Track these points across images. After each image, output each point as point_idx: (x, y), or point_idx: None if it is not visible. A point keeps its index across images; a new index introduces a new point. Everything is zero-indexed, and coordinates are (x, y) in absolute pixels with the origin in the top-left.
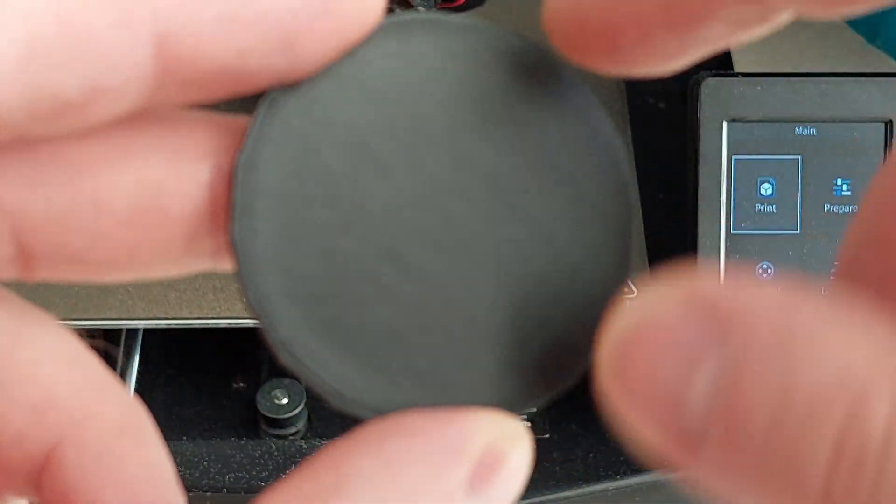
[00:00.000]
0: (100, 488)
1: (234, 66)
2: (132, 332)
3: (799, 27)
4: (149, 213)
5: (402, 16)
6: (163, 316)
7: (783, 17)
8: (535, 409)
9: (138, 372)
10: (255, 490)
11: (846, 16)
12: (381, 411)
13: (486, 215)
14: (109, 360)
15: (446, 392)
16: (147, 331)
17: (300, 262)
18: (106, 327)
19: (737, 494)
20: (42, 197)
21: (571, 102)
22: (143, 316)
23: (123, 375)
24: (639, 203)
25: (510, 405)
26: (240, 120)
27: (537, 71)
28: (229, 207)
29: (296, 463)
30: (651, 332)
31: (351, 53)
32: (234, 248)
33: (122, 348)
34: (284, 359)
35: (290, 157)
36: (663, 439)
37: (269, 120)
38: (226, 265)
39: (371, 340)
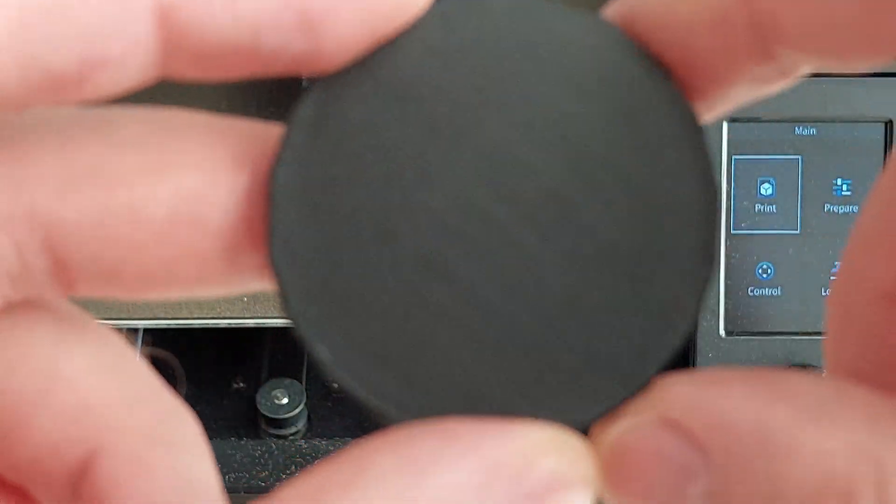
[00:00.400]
0: (127, 497)
1: (247, 42)
2: (132, 332)
3: None
4: (185, 224)
5: (453, 2)
6: (163, 316)
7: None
8: (588, 424)
9: None
10: (255, 490)
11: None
12: None
13: (538, 222)
14: None
15: (496, 406)
16: (147, 331)
17: (341, 278)
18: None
19: None
20: (75, 205)
21: (644, 91)
22: (143, 316)
23: None
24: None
25: (566, 420)
26: (278, 128)
27: (607, 59)
28: (266, 222)
29: (296, 463)
30: (638, 458)
31: (392, 43)
32: (273, 266)
33: None
34: (332, 379)
35: (325, 167)
36: None
37: (301, 126)
38: (271, 283)
39: (418, 357)
